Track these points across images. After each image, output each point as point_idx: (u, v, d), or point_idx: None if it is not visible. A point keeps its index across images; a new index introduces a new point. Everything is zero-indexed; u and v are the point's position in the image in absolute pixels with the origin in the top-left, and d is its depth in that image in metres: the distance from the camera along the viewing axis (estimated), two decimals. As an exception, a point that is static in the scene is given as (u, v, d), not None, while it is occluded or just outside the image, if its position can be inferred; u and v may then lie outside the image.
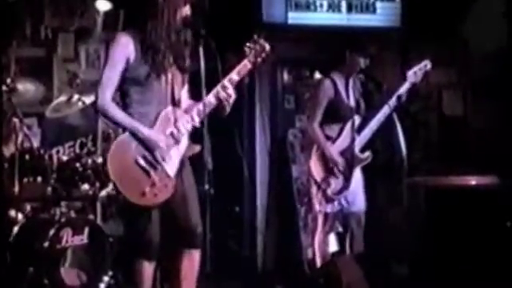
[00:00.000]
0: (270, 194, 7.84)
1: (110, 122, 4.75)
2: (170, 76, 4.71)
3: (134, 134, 4.60)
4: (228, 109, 4.83)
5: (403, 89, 6.22)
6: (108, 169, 4.57)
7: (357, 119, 6.28)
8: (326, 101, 6.24)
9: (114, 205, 6.55)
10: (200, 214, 4.73)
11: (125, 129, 4.63)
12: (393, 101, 6.18)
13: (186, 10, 4.70)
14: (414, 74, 6.27)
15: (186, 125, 4.73)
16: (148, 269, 4.73)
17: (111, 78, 4.62)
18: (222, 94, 4.74)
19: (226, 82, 4.75)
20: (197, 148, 4.78)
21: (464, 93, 8.48)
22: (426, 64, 6.34)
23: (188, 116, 4.74)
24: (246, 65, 4.83)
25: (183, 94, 4.84)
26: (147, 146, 4.60)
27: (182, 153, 4.74)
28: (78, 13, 7.73)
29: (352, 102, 6.31)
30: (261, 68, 7.70)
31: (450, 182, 6.95)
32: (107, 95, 4.61)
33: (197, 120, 4.73)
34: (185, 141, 4.75)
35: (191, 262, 4.79)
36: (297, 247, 7.52)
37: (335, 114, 6.25)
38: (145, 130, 4.60)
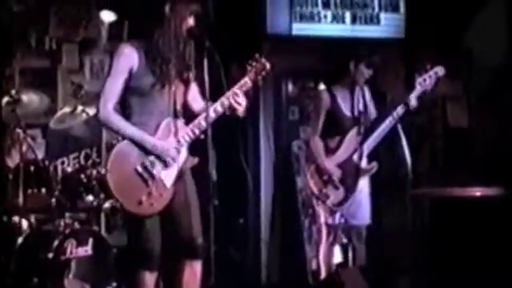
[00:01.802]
0: (274, 206, 7.83)
1: (114, 132, 4.74)
2: (173, 87, 4.74)
3: (139, 144, 4.62)
4: (243, 114, 4.86)
5: (412, 96, 6.15)
6: (107, 176, 4.57)
7: (360, 130, 6.26)
8: (323, 113, 6.24)
9: (119, 216, 6.55)
10: (202, 226, 4.74)
11: (130, 139, 4.63)
12: (397, 111, 6.14)
13: (191, 21, 4.72)
14: (424, 81, 6.19)
15: (185, 136, 4.75)
16: (149, 279, 4.74)
17: (114, 88, 4.64)
18: (232, 103, 4.77)
19: (224, 98, 4.78)
20: (195, 160, 4.81)
21: (468, 104, 8.47)
22: (437, 71, 6.25)
23: (188, 128, 4.77)
24: (246, 82, 4.87)
25: (194, 100, 4.89)
26: (156, 154, 4.63)
27: (181, 164, 4.76)
28: (82, 24, 7.73)
29: (355, 114, 6.29)
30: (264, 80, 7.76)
31: (455, 193, 6.92)
32: (109, 105, 4.63)
33: (197, 133, 4.76)
34: (184, 152, 4.78)
35: (193, 273, 4.80)
36: (301, 259, 7.50)
37: (335, 125, 6.24)
38: (152, 140, 4.63)
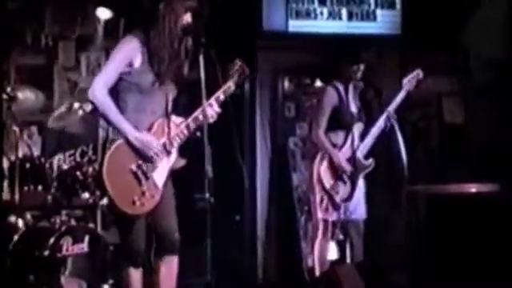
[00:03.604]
0: (270, 203, 7.84)
1: (102, 116, 4.67)
2: (167, 87, 4.74)
3: (123, 135, 4.59)
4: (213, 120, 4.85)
5: (400, 97, 6.23)
6: (103, 175, 4.55)
7: (360, 126, 6.29)
8: (330, 108, 6.24)
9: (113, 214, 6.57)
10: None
11: (114, 127, 4.60)
12: (392, 108, 6.19)
13: (187, 18, 4.71)
14: (409, 81, 6.30)
15: (176, 138, 4.76)
16: (135, 275, 4.76)
17: (111, 73, 4.62)
18: (209, 112, 4.77)
19: (212, 100, 4.80)
20: (183, 161, 4.82)
21: (464, 100, 8.48)
22: (419, 73, 6.36)
23: (179, 129, 4.77)
24: (230, 86, 4.91)
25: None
26: (139, 149, 4.61)
27: (171, 164, 4.78)
28: (78, 21, 7.73)
29: (353, 110, 6.32)
30: (261, 76, 7.78)
31: (451, 189, 6.94)
32: (106, 88, 4.59)
33: (186, 134, 4.77)
34: (175, 153, 4.79)
35: (169, 269, 4.85)
36: (297, 255, 7.51)
37: (339, 121, 6.25)
38: (135, 133, 4.59)
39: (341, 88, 6.30)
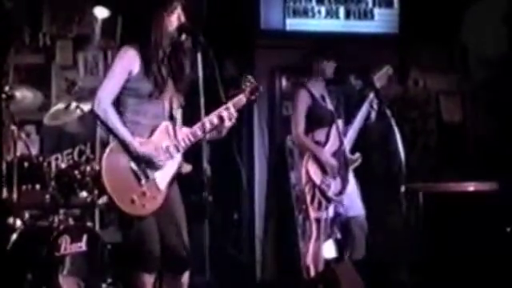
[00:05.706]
0: (268, 201, 7.84)
1: (105, 127, 4.63)
2: (169, 92, 4.72)
3: (126, 148, 4.57)
4: (224, 132, 4.86)
5: (372, 94, 6.28)
6: (101, 170, 4.51)
7: (340, 122, 6.33)
8: (305, 109, 6.32)
9: (114, 213, 6.56)
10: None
11: (119, 140, 4.56)
12: (370, 97, 6.26)
13: (179, 18, 4.68)
14: (379, 78, 6.33)
15: (181, 142, 4.73)
16: (148, 281, 4.68)
17: (114, 86, 4.60)
18: (225, 114, 4.77)
19: (222, 109, 4.79)
20: (189, 167, 4.79)
21: (463, 99, 8.49)
22: (388, 68, 6.40)
23: (184, 135, 4.73)
24: (241, 99, 4.90)
25: (179, 114, 4.87)
26: (140, 161, 4.59)
27: (175, 169, 4.74)
28: (76, 20, 7.72)
29: (331, 107, 6.36)
30: (259, 74, 7.77)
31: (449, 188, 6.93)
32: (109, 101, 4.57)
33: (192, 140, 4.73)
34: (179, 157, 4.75)
35: None
36: (295, 254, 7.51)
37: (318, 119, 6.32)
38: (137, 147, 4.57)
39: (314, 88, 6.34)
